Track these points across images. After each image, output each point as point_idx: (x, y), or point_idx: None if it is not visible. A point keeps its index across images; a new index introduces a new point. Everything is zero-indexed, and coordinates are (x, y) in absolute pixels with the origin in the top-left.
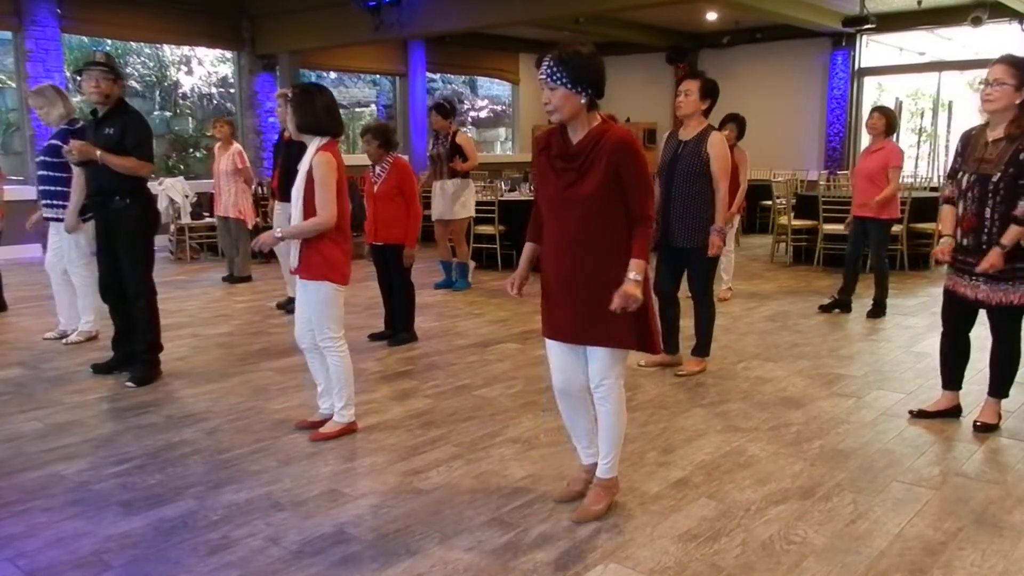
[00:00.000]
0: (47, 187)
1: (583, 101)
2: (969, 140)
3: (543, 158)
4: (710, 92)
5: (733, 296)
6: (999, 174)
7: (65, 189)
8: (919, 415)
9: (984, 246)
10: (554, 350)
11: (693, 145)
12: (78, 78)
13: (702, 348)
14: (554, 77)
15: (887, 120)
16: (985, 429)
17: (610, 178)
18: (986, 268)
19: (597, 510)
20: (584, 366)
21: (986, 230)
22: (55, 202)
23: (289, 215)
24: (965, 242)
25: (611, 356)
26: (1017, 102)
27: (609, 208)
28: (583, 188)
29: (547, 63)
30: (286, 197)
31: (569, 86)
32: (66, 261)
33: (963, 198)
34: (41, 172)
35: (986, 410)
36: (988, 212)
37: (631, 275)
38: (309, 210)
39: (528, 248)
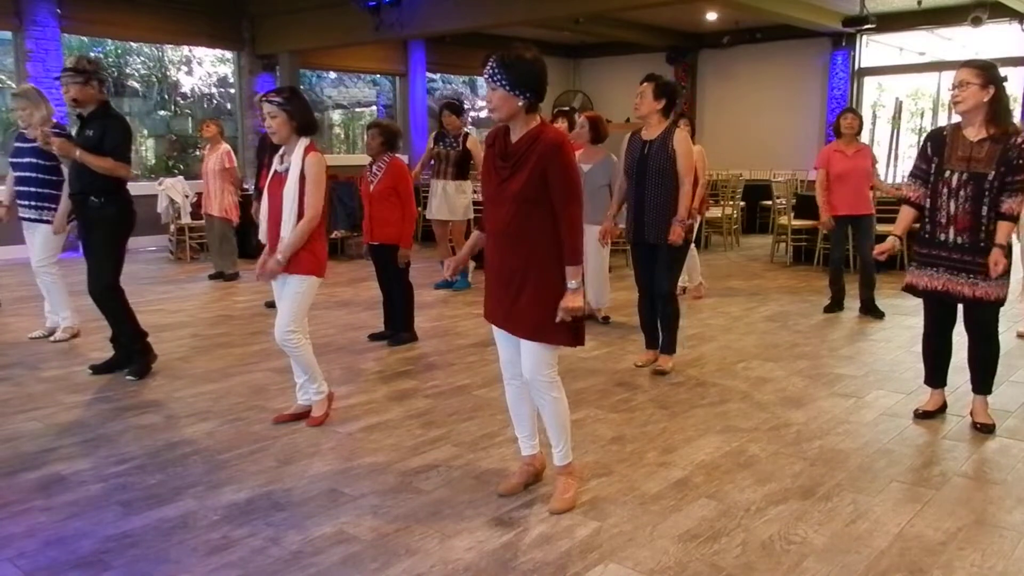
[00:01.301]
0: (36, 188)
1: (520, 104)
2: (944, 140)
3: (490, 154)
4: (664, 93)
5: (732, 295)
6: (993, 173)
7: (55, 192)
8: (923, 415)
9: (982, 243)
10: (496, 333)
11: (659, 144)
12: None
13: (668, 345)
14: (495, 78)
15: (860, 121)
16: (984, 429)
17: (537, 179)
18: (999, 271)
19: (568, 498)
20: (520, 351)
21: (983, 227)
22: (43, 204)
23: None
24: (959, 240)
25: (540, 351)
26: (985, 100)
27: (536, 207)
28: (512, 186)
29: (490, 64)
30: None
31: (508, 88)
32: (36, 261)
33: (953, 197)
34: (28, 173)
35: (978, 411)
36: (985, 210)
37: (570, 284)
38: (303, 211)
39: (474, 236)
